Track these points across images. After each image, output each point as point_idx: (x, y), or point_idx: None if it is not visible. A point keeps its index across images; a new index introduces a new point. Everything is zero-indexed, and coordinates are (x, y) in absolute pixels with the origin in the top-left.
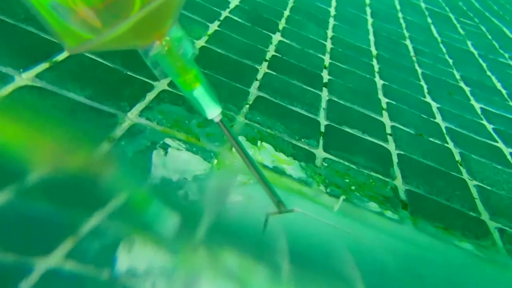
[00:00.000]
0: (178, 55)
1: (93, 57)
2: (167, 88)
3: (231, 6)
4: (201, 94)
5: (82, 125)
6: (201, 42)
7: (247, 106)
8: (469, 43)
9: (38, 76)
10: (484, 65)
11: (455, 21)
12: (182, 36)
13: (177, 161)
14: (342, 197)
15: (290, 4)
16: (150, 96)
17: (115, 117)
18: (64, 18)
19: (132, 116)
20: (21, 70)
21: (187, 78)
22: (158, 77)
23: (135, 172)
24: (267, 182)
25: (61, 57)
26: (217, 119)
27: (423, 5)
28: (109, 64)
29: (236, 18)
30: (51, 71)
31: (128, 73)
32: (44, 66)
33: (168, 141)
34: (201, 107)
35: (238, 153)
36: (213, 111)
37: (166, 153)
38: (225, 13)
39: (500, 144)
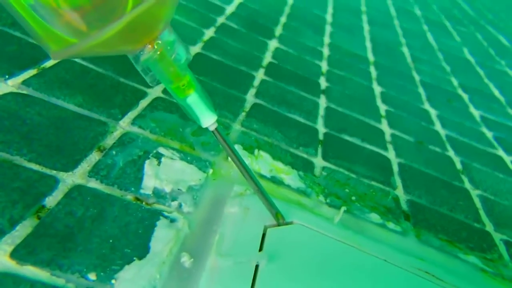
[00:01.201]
0: (170, 60)
1: (84, 63)
2: (161, 95)
3: (227, 12)
4: (195, 102)
5: (70, 134)
6: (196, 49)
7: (244, 113)
8: (465, 50)
9: (25, 82)
10: (481, 72)
11: (450, 29)
12: (175, 40)
13: (171, 171)
14: (343, 208)
15: (287, 11)
16: (143, 103)
17: (105, 126)
18: (46, 20)
19: (124, 124)
20: (7, 76)
21: (180, 85)
22: (150, 83)
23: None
24: (264, 192)
25: (49, 63)
26: (212, 128)
27: (418, 12)
28: (100, 70)
29: (232, 25)
30: (38, 77)
31: (120, 79)
32: (31, 72)
33: (161, 150)
34: (195, 115)
35: (234, 163)
36: (208, 119)
37: (159, 162)
38: (221, 20)
39: (500, 152)
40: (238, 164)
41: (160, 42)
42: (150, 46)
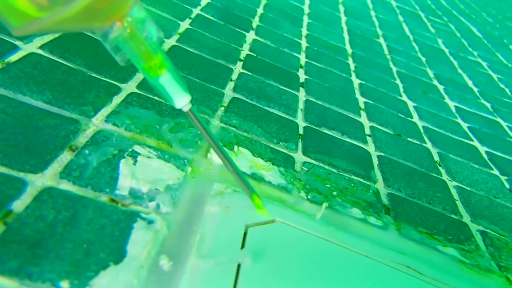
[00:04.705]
0: (141, 38)
1: (53, 57)
2: (136, 90)
3: (203, 3)
4: (168, 81)
5: (39, 133)
6: (171, 41)
7: (222, 108)
8: (439, 41)
9: None
10: (455, 63)
11: (425, 19)
12: (146, 17)
13: (148, 170)
14: (325, 204)
15: (263, 2)
16: (117, 99)
17: (77, 123)
18: None
19: (97, 121)
20: None
21: (152, 64)
22: (120, 63)
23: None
24: (240, 173)
25: (14, 57)
26: (186, 109)
27: (394, 3)
28: (70, 65)
29: (208, 16)
30: (3, 72)
31: (92, 74)
32: None
33: (137, 148)
34: (168, 96)
35: (209, 144)
36: (182, 100)
37: (135, 161)
38: (196, 11)
39: (475, 143)
40: (213, 145)
41: (130, 19)
42: (119, 23)
